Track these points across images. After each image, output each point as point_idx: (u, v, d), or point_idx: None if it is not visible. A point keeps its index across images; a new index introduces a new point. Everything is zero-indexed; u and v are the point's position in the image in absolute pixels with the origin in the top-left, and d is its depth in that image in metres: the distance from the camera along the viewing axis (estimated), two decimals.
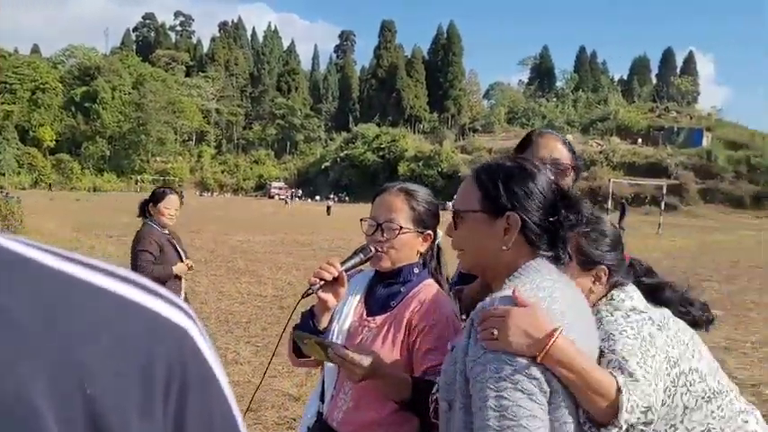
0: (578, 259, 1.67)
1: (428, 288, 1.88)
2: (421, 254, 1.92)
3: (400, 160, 70.49)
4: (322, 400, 1.91)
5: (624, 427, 1.29)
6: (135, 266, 4.31)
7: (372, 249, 1.84)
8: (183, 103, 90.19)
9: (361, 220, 1.93)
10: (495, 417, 1.22)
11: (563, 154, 2.19)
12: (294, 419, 4.55)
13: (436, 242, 1.99)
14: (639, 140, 68.56)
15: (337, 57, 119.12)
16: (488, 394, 1.24)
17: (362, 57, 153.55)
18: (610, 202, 32.99)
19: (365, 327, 1.85)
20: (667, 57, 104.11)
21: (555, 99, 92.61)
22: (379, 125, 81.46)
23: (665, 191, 37.23)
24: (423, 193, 1.93)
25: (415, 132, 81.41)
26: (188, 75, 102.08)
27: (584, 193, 48.00)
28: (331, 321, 1.86)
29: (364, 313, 1.90)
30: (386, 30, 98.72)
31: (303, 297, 1.81)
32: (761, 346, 6.93)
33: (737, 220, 48.05)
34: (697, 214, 50.29)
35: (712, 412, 1.48)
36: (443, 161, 67.47)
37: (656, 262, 1.75)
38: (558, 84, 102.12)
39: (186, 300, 4.64)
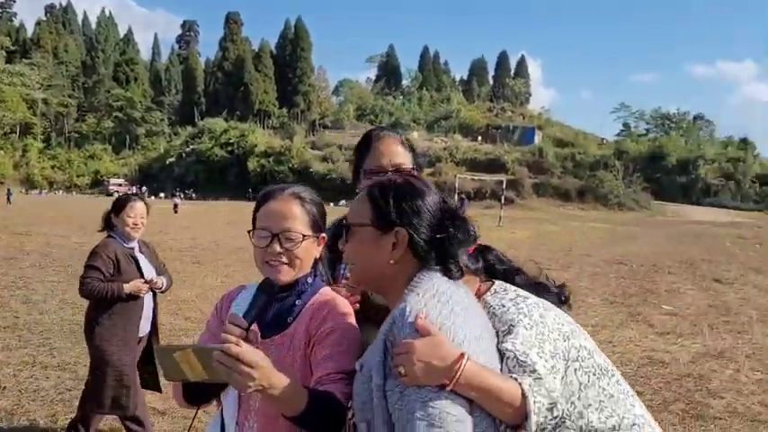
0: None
1: (324, 296, 1.76)
2: (316, 260, 1.81)
3: (250, 156, 68.94)
4: None
5: (534, 428, 1.36)
6: (80, 283, 3.89)
7: (276, 285, 1.66)
8: (3, 92, 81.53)
9: (249, 231, 1.75)
10: (424, 426, 1.24)
11: (403, 157, 2.18)
12: None
13: None
14: (479, 138, 72.49)
15: (180, 47, 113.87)
16: (414, 406, 1.26)
17: (207, 49, 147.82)
18: (456, 197, 34.67)
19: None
20: (502, 59, 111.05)
21: (401, 97, 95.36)
22: (226, 120, 78.97)
23: (504, 185, 39.69)
24: (309, 193, 1.81)
25: (264, 128, 79.99)
26: (9, 61, 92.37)
27: None
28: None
29: (258, 335, 1.67)
30: (231, 21, 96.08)
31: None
32: (601, 329, 7.64)
33: (565, 212, 52.54)
34: (531, 207, 54.21)
35: (603, 389, 1.57)
36: (294, 157, 66.98)
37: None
38: (404, 82, 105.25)
39: (154, 319, 4.12)
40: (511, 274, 1.82)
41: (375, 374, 1.37)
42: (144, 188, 70.62)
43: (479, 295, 1.68)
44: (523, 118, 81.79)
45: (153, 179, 75.55)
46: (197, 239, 18.57)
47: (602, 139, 78.61)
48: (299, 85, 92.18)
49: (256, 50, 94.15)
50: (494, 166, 61.43)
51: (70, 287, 9.55)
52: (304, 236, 1.71)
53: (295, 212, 1.73)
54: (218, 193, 59.62)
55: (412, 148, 2.24)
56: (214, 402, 1.75)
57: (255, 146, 70.22)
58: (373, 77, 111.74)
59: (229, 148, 71.35)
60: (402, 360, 1.30)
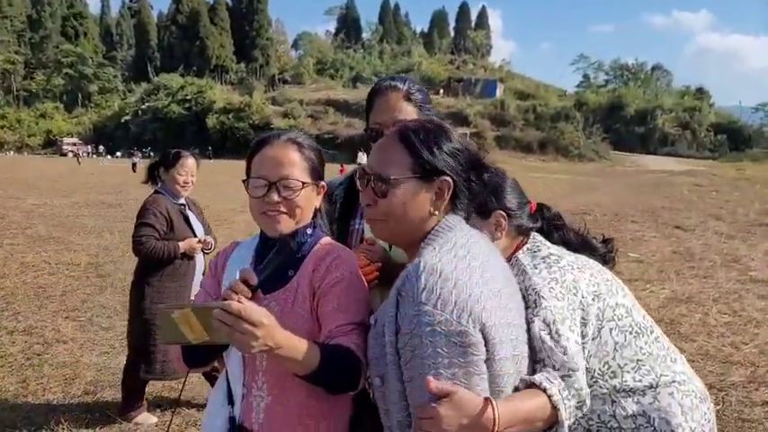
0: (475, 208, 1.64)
1: (326, 246, 1.64)
2: (315, 209, 1.68)
3: (208, 113, 67.39)
4: (231, 403, 1.60)
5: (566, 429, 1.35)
6: (134, 242, 3.61)
7: (293, 244, 1.53)
8: None
9: (244, 181, 1.61)
10: (443, 365, 1.23)
11: (408, 112, 2.03)
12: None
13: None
14: (441, 91, 72.13)
15: (131, 0, 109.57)
16: (426, 371, 1.25)
17: (159, 2, 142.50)
18: None
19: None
20: (463, 11, 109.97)
21: (362, 50, 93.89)
22: (183, 75, 76.76)
23: (468, 138, 39.73)
24: (307, 139, 1.68)
25: (222, 83, 78.15)
26: None
27: None
28: None
29: (259, 292, 1.54)
30: None
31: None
32: None
33: (527, 164, 52.97)
34: (494, 161, 54.21)
35: (641, 348, 1.54)
36: (254, 113, 65.69)
37: None
38: (365, 35, 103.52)
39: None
40: (566, 233, 1.82)
41: (387, 330, 1.30)
42: (101, 147, 68.72)
43: (514, 251, 1.62)
44: (485, 71, 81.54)
45: (108, 138, 73.35)
46: None
47: (565, 91, 79.08)
48: (257, 39, 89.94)
49: (211, 2, 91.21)
50: (456, 119, 61.30)
51: (29, 250, 9.27)
52: (303, 183, 1.58)
53: (293, 159, 1.60)
54: (206, 152, 58.22)
55: (422, 101, 2.08)
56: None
57: (214, 102, 68.60)
58: (333, 30, 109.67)
59: (187, 105, 69.58)
60: (429, 426, 1.21)
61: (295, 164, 1.59)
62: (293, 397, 1.52)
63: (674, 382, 1.54)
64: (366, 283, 1.64)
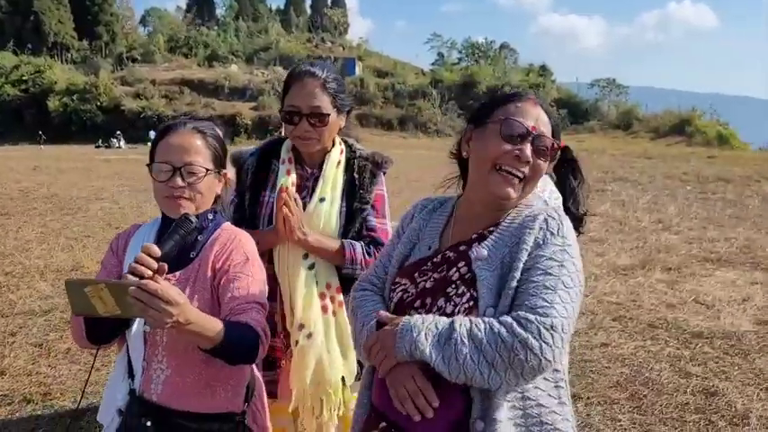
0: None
1: (227, 231, 1.78)
2: (217, 196, 1.81)
3: (49, 94, 62.10)
4: (131, 377, 1.71)
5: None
6: None
7: (194, 219, 1.63)
8: None
9: (148, 165, 1.72)
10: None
11: (320, 100, 2.19)
12: (5, 396, 4.01)
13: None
14: None
15: None
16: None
17: None
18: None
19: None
20: None
21: (216, 27, 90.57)
22: (16, 53, 70.05)
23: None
24: (211, 128, 1.80)
25: (63, 62, 72.18)
26: None
27: (255, 123, 48.93)
28: None
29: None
30: None
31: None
32: None
33: (389, 140, 54.03)
34: (358, 137, 55.08)
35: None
36: (102, 94, 61.26)
37: None
38: (219, 11, 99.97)
39: None
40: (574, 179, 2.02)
41: (517, 260, 1.48)
42: None
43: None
44: (343, 49, 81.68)
45: None
46: (3, 188, 16.72)
47: (422, 69, 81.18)
48: (100, 15, 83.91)
49: None
50: None
51: None
52: (207, 170, 1.71)
53: (197, 146, 1.72)
54: (16, 137, 53.20)
55: (337, 90, 2.24)
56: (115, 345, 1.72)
57: (55, 83, 63.17)
58: (184, 6, 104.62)
59: (24, 87, 63.59)
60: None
61: (200, 151, 1.72)
62: (191, 369, 1.66)
63: None
64: (263, 269, 1.80)
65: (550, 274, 1.41)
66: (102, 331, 1.63)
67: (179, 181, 1.68)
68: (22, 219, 11.34)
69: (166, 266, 1.51)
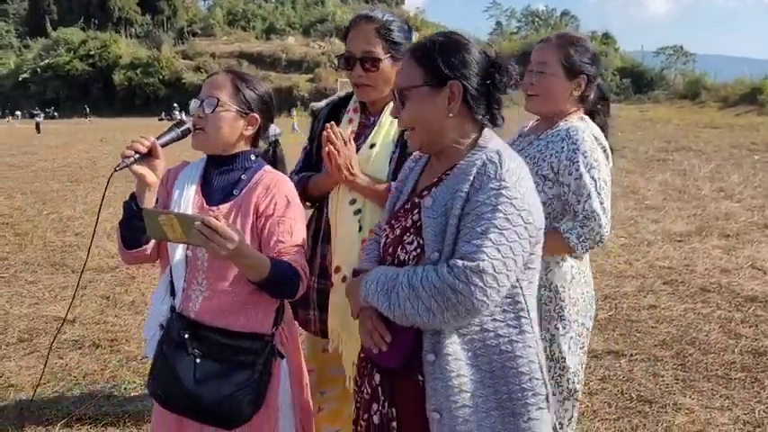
0: (564, 67, 2.18)
1: (270, 174, 1.90)
2: (247, 138, 1.91)
3: (114, 68, 64.04)
4: (173, 295, 1.88)
5: None
6: None
7: (188, 123, 1.82)
8: None
9: (187, 104, 1.94)
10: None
11: (374, 45, 2.18)
12: (76, 341, 4.33)
13: (273, 136, 2.01)
14: None
15: None
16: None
17: None
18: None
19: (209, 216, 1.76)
20: None
21: (274, 0, 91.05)
22: (83, 29, 72.30)
23: None
24: (256, 79, 1.93)
25: (127, 37, 74.14)
26: None
27: (311, 95, 49.33)
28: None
29: (204, 203, 1.87)
30: None
31: (116, 170, 1.75)
32: None
33: None
34: None
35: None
36: (164, 68, 62.86)
37: None
38: None
39: None
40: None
41: (455, 205, 1.51)
42: (18, 112, 64.02)
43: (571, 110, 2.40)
44: None
45: (5, 98, 68.66)
46: (70, 158, 17.50)
47: (480, 39, 79.81)
48: None
49: None
50: None
51: None
52: (218, 100, 1.81)
53: (223, 84, 1.86)
54: (83, 110, 55.17)
55: (396, 38, 2.22)
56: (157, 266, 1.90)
57: (120, 57, 65.10)
58: None
59: (91, 61, 65.71)
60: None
61: (222, 87, 1.85)
62: (225, 292, 1.82)
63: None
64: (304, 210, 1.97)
65: (482, 218, 1.45)
66: (135, 238, 1.84)
67: (200, 112, 1.84)
68: (90, 185, 11.91)
69: (160, 150, 1.78)
